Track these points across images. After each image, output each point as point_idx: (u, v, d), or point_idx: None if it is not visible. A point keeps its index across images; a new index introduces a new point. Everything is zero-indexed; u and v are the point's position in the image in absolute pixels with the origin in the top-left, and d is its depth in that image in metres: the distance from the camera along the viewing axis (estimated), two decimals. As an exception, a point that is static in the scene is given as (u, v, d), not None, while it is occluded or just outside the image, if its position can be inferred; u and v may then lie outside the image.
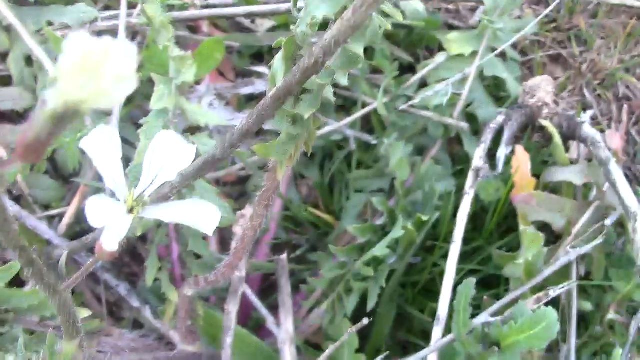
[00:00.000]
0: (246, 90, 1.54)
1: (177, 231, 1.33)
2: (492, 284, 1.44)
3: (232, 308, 1.31)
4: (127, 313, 1.52)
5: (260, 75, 1.59)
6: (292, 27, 0.89)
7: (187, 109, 1.31)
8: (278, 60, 0.87)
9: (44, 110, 0.52)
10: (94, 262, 0.83)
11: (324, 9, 0.81)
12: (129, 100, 1.58)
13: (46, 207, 1.61)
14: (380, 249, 1.31)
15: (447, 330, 1.28)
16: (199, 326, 1.33)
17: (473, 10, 1.80)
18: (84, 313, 1.28)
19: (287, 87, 0.83)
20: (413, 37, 1.65)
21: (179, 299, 1.28)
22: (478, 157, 1.34)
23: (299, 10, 0.92)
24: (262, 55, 1.69)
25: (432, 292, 1.47)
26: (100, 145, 0.74)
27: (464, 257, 1.43)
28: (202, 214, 0.76)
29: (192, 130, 1.38)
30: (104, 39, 0.51)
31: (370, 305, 1.33)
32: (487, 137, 1.39)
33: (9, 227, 0.69)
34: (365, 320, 1.06)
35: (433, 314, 1.45)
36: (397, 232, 1.32)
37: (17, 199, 1.58)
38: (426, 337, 1.49)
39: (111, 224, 0.71)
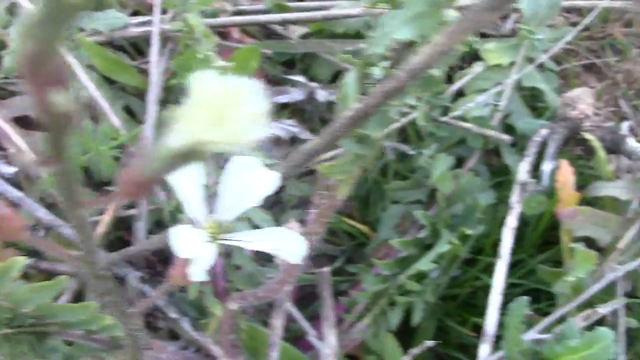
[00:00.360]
0: (282, 99, 1.53)
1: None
2: (534, 298, 1.43)
3: (278, 323, 1.30)
4: (162, 323, 1.50)
5: (294, 83, 1.57)
6: (363, 46, 0.88)
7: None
8: (350, 80, 0.86)
9: (164, 148, 0.50)
10: (166, 289, 0.81)
11: (406, 33, 0.79)
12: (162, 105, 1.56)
13: (78, 215, 1.59)
14: (425, 264, 1.30)
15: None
16: (242, 340, 1.31)
17: (505, 17, 1.79)
18: (129, 328, 1.26)
19: (366, 109, 0.81)
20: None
21: (223, 313, 1.26)
22: (524, 171, 1.33)
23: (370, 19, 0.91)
24: (293, 62, 1.67)
25: (471, 305, 1.46)
26: (182, 171, 0.72)
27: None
28: (289, 242, 0.74)
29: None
30: (233, 78, 0.49)
31: (416, 320, 1.32)
32: (532, 150, 1.37)
33: (95, 258, 0.68)
34: (431, 343, 1.04)
35: (474, 327, 1.45)
36: (442, 247, 1.31)
37: (50, 207, 1.56)
38: (464, 350, 1.48)
39: (198, 255, 0.69)
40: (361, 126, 0.85)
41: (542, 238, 1.48)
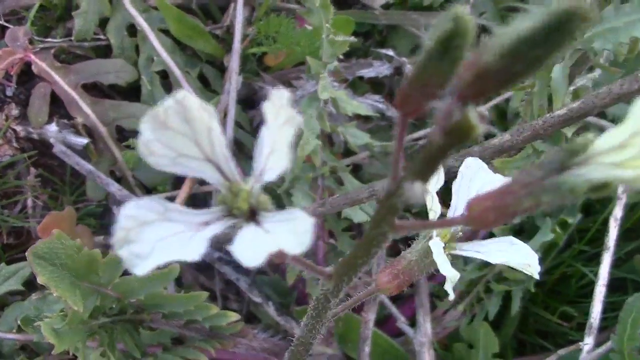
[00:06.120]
0: (368, 73, 1.45)
1: (323, 228, 1.25)
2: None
3: (371, 316, 1.26)
4: (234, 305, 1.44)
5: (378, 56, 1.49)
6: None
7: (338, 98, 1.21)
8: (559, 74, 0.80)
9: (577, 179, 0.45)
10: (374, 292, 0.76)
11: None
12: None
13: (148, 190, 1.49)
14: (528, 252, 1.27)
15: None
16: (337, 327, 1.27)
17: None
18: (232, 316, 1.20)
19: (587, 110, 0.76)
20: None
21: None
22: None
23: None
24: (370, 33, 1.59)
25: (557, 292, 1.44)
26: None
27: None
28: (522, 255, 0.70)
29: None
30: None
31: (514, 309, 1.30)
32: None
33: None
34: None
35: (563, 316, 1.43)
36: (546, 235, 1.27)
37: (119, 181, 1.46)
38: (543, 336, 1.47)
39: (450, 273, 0.64)
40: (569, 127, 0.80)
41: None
